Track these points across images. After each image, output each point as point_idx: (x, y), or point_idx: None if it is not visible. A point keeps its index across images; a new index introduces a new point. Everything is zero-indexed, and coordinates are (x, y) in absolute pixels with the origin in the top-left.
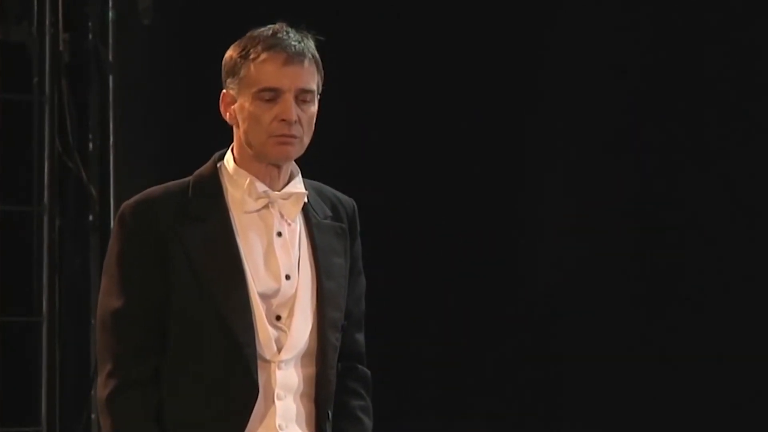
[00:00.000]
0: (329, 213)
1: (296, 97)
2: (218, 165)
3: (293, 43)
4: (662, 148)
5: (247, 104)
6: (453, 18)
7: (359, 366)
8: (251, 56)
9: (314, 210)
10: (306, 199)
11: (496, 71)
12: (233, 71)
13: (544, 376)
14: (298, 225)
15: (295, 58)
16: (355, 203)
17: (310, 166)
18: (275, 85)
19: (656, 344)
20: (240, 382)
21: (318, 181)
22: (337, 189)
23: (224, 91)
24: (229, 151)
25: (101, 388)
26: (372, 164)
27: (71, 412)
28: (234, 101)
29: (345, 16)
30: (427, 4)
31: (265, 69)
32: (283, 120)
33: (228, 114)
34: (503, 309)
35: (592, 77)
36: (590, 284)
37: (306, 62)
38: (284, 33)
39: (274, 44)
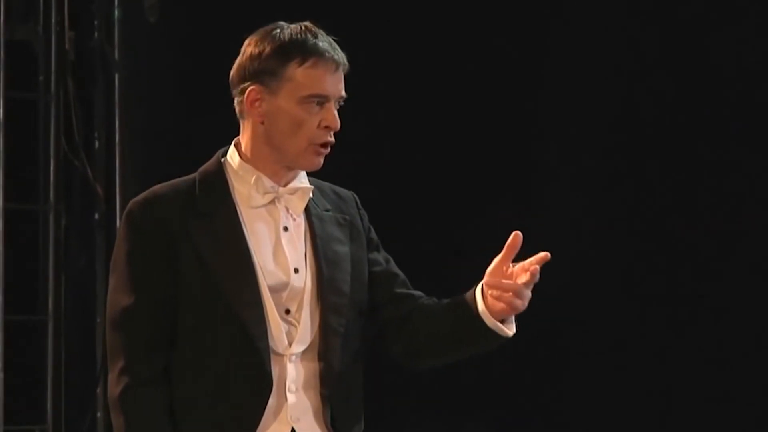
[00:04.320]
0: (329, 206)
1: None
2: (222, 161)
3: (335, 50)
4: (667, 149)
5: (288, 107)
6: (459, 14)
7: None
8: (297, 59)
9: (315, 203)
10: (310, 195)
11: (503, 67)
12: (269, 70)
13: (547, 376)
14: (302, 219)
15: (340, 66)
16: (354, 193)
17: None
18: (325, 92)
19: (659, 345)
20: (254, 376)
21: (326, 176)
22: (346, 185)
23: (253, 86)
24: (232, 147)
25: (113, 386)
26: (376, 161)
27: (77, 411)
28: (263, 99)
29: (348, 15)
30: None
31: (316, 75)
32: (327, 127)
33: (254, 110)
34: None
35: (598, 77)
36: (594, 285)
37: (344, 70)
38: (322, 37)
39: (322, 51)
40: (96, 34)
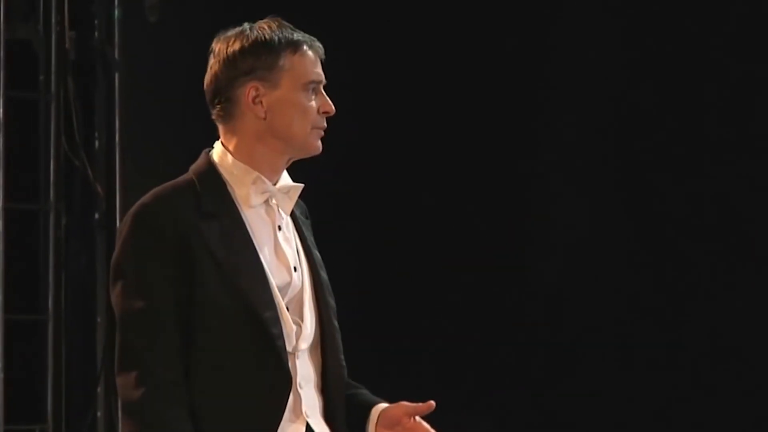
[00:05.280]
0: (299, 210)
1: None
2: (212, 161)
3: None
4: (669, 149)
5: (292, 95)
6: (460, 19)
7: None
8: (290, 48)
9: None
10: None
11: (503, 72)
12: (264, 64)
13: (547, 375)
14: (288, 219)
15: (323, 54)
16: (304, 204)
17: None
18: (320, 78)
19: (660, 345)
20: (274, 374)
21: (331, 181)
22: (343, 188)
23: (252, 83)
24: (221, 148)
25: (130, 390)
26: (377, 164)
27: (77, 410)
28: (263, 94)
29: (350, 16)
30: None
31: (310, 61)
32: (326, 112)
33: (255, 107)
34: (510, 305)
35: (597, 80)
36: (594, 285)
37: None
38: (294, 28)
39: (307, 39)
40: (96, 33)
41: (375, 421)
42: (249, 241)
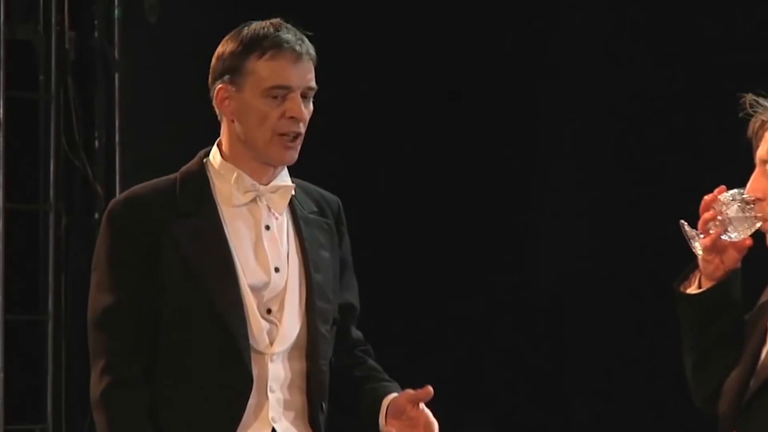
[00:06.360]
0: (314, 209)
1: (301, 95)
2: (204, 161)
3: (298, 41)
4: (670, 148)
5: (253, 100)
6: (462, 16)
7: (369, 359)
8: (257, 52)
9: (300, 204)
10: (293, 193)
11: (505, 72)
12: (234, 67)
13: (547, 376)
14: (285, 219)
15: (303, 56)
16: (339, 200)
17: (313, 160)
18: (286, 83)
19: (660, 346)
20: (234, 374)
21: (332, 177)
22: (345, 185)
23: (221, 85)
24: (214, 147)
25: (95, 385)
26: (383, 165)
27: (77, 410)
28: (231, 96)
29: (351, 16)
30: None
31: (276, 66)
32: (292, 117)
33: (225, 109)
34: (510, 305)
35: (599, 78)
36: (594, 286)
37: (311, 61)
38: (285, 30)
39: (281, 42)
40: (96, 33)
41: (384, 412)
42: (222, 240)
